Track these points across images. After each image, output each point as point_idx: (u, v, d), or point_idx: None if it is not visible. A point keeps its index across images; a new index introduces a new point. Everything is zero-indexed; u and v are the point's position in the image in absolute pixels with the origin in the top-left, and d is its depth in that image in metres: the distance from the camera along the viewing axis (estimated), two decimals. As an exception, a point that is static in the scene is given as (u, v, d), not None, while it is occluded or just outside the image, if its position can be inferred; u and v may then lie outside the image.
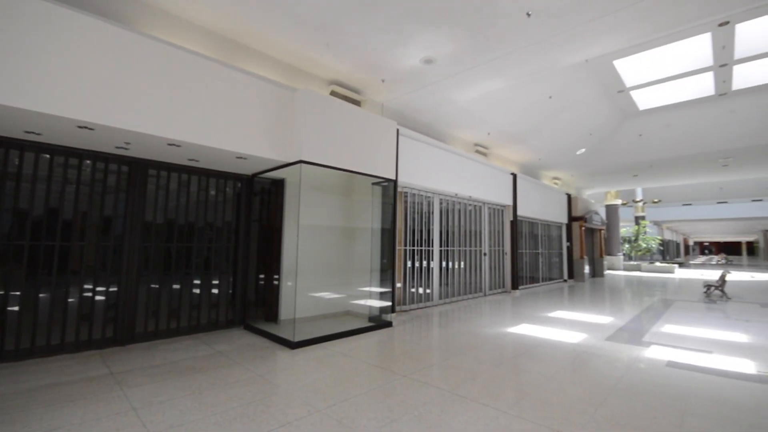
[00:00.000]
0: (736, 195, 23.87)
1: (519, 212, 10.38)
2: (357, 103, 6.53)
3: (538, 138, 9.85)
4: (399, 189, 6.98)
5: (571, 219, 13.70)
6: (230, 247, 5.61)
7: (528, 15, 4.71)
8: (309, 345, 4.71)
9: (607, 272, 18.27)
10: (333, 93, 6.11)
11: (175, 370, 3.77)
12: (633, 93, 8.74)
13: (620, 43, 5.45)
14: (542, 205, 11.88)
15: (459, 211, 8.80)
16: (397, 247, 6.82)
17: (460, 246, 8.63)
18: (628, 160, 11.59)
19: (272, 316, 5.70)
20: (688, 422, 2.83)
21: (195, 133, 4.08)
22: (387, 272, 6.03)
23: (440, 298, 7.95)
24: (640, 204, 23.35)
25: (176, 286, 5.04)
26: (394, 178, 6.07)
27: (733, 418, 2.89)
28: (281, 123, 4.90)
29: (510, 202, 10.10)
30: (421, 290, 7.54)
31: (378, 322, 5.81)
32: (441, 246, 8.03)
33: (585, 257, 13.82)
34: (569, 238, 13.55)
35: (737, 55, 7.07)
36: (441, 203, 8.20)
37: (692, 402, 3.19)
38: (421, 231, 7.61)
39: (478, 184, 8.90)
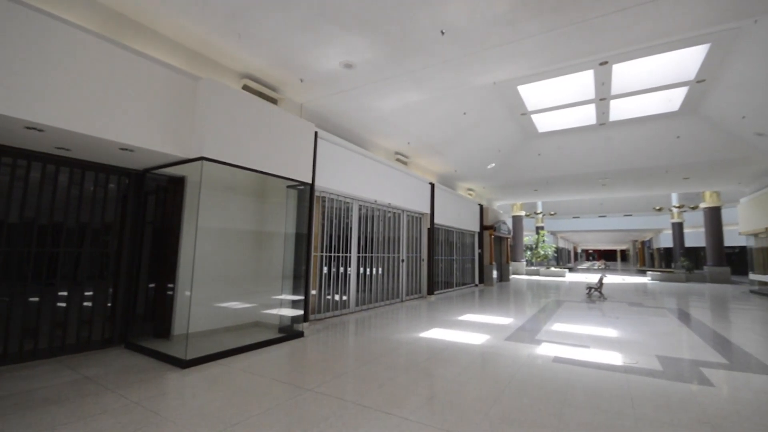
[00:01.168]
0: (612, 210, 28.25)
1: (436, 220, 10.86)
2: (273, 101, 6.20)
3: (454, 150, 10.46)
4: (316, 193, 6.78)
5: (483, 228, 14.80)
6: (112, 252, 4.83)
7: (442, 33, 4.94)
8: (204, 362, 4.24)
9: (512, 277, 20.11)
10: (246, 87, 5.71)
11: (24, 402, 3.07)
12: (533, 116, 9.78)
13: (522, 71, 6.03)
14: (457, 214, 12.62)
15: (378, 217, 8.88)
16: (313, 253, 6.59)
17: (378, 252, 8.69)
18: (530, 176, 12.94)
19: (164, 331, 5.04)
20: (566, 413, 3.11)
21: (62, 116, 3.43)
22: (301, 279, 5.76)
23: (357, 305, 7.88)
24: (540, 216, 26.31)
25: (34, 299, 4.16)
26: (310, 181, 5.87)
27: (603, 407, 3.27)
28: (180, 114, 4.40)
29: (428, 211, 10.52)
30: (337, 297, 7.39)
31: (289, 332, 5.50)
32: (359, 252, 7.99)
33: (494, 263, 15.02)
34: (481, 246, 14.61)
35: (613, 91, 8.34)
36: (360, 209, 8.18)
37: (570, 394, 3.54)
38: (339, 237, 7.49)
39: (398, 192, 9.10)
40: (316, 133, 6.20)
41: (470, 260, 14.20)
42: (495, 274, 15.17)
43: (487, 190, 15.44)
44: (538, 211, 26.00)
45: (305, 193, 5.88)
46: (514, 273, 21.75)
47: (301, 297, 5.69)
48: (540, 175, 12.74)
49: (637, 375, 4.09)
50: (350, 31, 4.79)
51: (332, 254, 7.25)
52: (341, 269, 7.46)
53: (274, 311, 5.95)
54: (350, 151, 7.52)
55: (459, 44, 5.12)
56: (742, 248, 15.11)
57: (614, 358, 4.76)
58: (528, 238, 25.34)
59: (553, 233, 34.01)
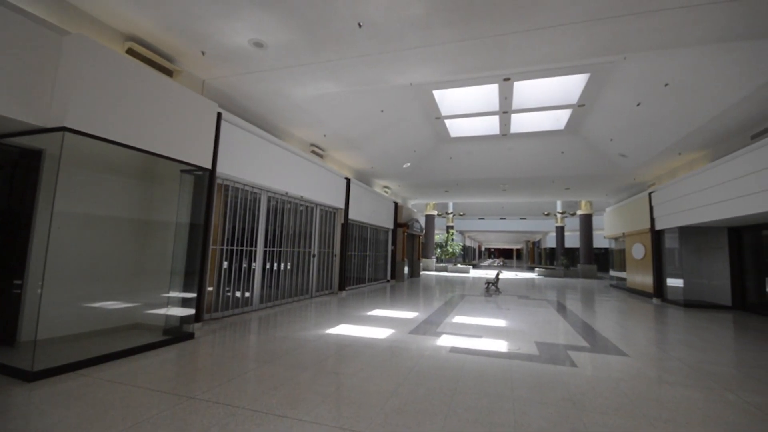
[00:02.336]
0: (511, 213, 31.57)
1: (351, 216, 10.83)
2: (168, 72, 5.46)
3: (372, 147, 10.52)
4: (218, 181, 6.19)
5: (397, 225, 15.25)
6: (-75, 240, 3.75)
7: (359, 26, 4.86)
8: (60, 373, 3.53)
9: (422, 273, 21.17)
10: (131, 51, 4.91)
11: None
12: (447, 121, 10.34)
13: (436, 75, 6.27)
14: (373, 211, 12.77)
15: (289, 210, 8.49)
16: (212, 247, 6.01)
17: (288, 247, 8.32)
18: (442, 177, 13.69)
19: (7, 337, 4.09)
20: (455, 400, 3.29)
21: None
22: (194, 275, 5.18)
23: (262, 302, 7.43)
24: (451, 215, 28.17)
25: None
26: (210, 167, 5.31)
27: (488, 391, 3.53)
28: (39, 74, 3.59)
29: (342, 206, 10.42)
30: (238, 294, 6.86)
31: (176, 334, 4.91)
32: (266, 246, 7.54)
33: (406, 259, 15.58)
34: (394, 242, 15.04)
35: (514, 106, 9.21)
36: (270, 201, 7.72)
37: (461, 381, 3.76)
38: (244, 229, 6.96)
39: (312, 184, 8.83)
40: (219, 114, 5.64)
41: (383, 256, 14.51)
42: (406, 270, 15.75)
43: (402, 189, 15.94)
44: (449, 211, 27.80)
45: (203, 180, 5.30)
46: (425, 269, 22.93)
47: (194, 295, 5.13)
48: (451, 177, 13.56)
49: (518, 360, 4.54)
50: (261, 7, 4.43)
51: (235, 248, 6.71)
52: (244, 264, 6.95)
53: (160, 311, 5.26)
54: (260, 138, 7.03)
55: (376, 40, 5.10)
56: (606, 249, 18.21)
57: (501, 346, 5.23)
58: (439, 236, 26.95)
59: (461, 232, 36.76)
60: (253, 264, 7.18)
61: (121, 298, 5.14)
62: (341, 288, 10.21)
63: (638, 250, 12.69)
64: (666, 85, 6.71)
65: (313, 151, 9.68)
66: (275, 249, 7.85)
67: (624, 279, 14.40)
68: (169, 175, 5.32)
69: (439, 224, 29.49)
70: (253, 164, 6.79)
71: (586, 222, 21.21)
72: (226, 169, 6.05)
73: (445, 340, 5.43)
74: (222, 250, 6.39)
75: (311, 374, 3.83)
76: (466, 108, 9.41)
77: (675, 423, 2.96)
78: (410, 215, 16.91)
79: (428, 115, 9.56)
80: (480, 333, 5.99)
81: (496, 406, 3.20)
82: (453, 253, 25.19)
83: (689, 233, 10.26)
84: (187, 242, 5.22)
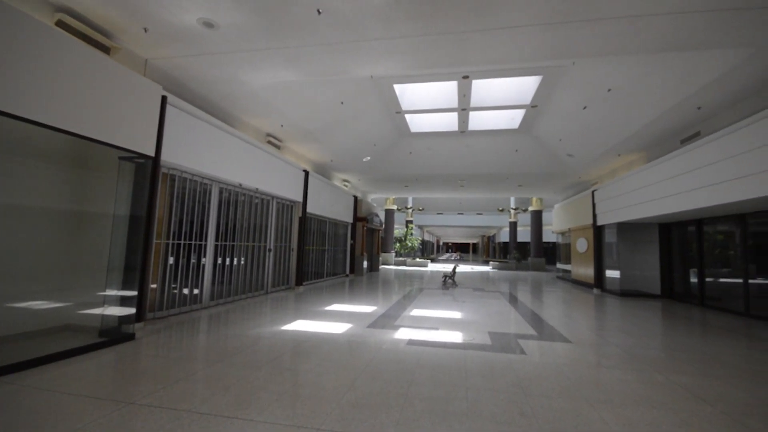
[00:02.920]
0: (468, 209, 32.59)
1: (309, 209, 10.60)
2: (105, 49, 4.96)
3: (331, 139, 10.33)
4: (163, 170, 5.77)
5: (357, 219, 15.17)
6: None
7: (318, 12, 4.70)
8: (-30, 384, 3.11)
9: (381, 267, 21.30)
10: (61, 24, 4.40)
11: None
12: (407, 116, 10.39)
13: (396, 69, 6.24)
14: (332, 205, 12.59)
15: (244, 203, 8.13)
16: (156, 241, 5.60)
17: (242, 241, 7.97)
18: (402, 172, 13.79)
19: None
20: (412, 391, 3.32)
21: None
22: (135, 271, 4.79)
23: (213, 299, 7.07)
24: (410, 210, 28.55)
25: None
26: (153, 154, 4.91)
27: (443, 381, 3.60)
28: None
29: (300, 199, 10.16)
30: (186, 291, 6.47)
31: (114, 335, 4.53)
32: (218, 240, 7.17)
33: (365, 254, 15.57)
34: (353, 237, 14.95)
35: (472, 104, 9.44)
36: (222, 193, 7.34)
37: (418, 373, 3.81)
38: (193, 222, 6.55)
39: (268, 176, 8.51)
40: (164, 98, 5.23)
41: (342, 251, 14.39)
42: (366, 264, 15.76)
43: (362, 183, 15.86)
44: (409, 206, 28.17)
45: (146, 168, 4.90)
46: (384, 263, 23.09)
47: (134, 292, 4.74)
48: (411, 172, 13.70)
49: (472, 350, 4.69)
50: (211, -16, 4.14)
51: (183, 242, 6.30)
52: (193, 259, 6.56)
53: (96, 311, 4.81)
54: (211, 126, 6.64)
55: (337, 29, 4.97)
56: (554, 244, 19.40)
57: (457, 337, 5.37)
58: (398, 230, 27.21)
59: (420, 227, 37.41)
60: (203, 259, 6.80)
61: (51, 297, 4.63)
62: (299, 283, 9.99)
63: (582, 245, 13.62)
64: (609, 90, 7.18)
65: (269, 142, 9.32)
66: (228, 243, 7.49)
67: (569, 271, 15.40)
68: (106, 162, 4.85)
69: (399, 219, 29.80)
70: (203, 153, 6.40)
71: (537, 218, 22.40)
72: (171, 157, 5.64)
73: (403, 333, 5.48)
74: (168, 244, 5.97)
75: (265, 372, 3.69)
76: (426, 104, 9.50)
77: (611, 403, 3.19)
78: (370, 209, 16.91)
79: (389, 109, 9.54)
80: (437, 325, 6.11)
81: (451, 395, 3.27)
82: (412, 248, 25.58)
83: (626, 228, 11.16)
84: (126, 236, 4.81)
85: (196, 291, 6.66)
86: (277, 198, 9.32)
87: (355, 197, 15.19)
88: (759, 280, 7.70)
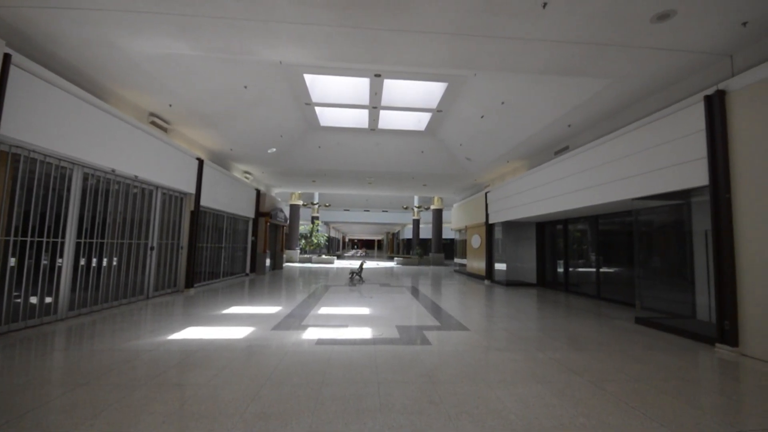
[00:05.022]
0: (374, 206, 33.37)
1: (203, 202, 9.50)
2: None
3: (232, 126, 9.42)
4: (2, 147, 4.49)
5: (259, 214, 14.19)
6: None
7: (221, -23, 4.17)
8: None
9: (285, 265, 20.40)
10: None
11: None
12: (317, 108, 10.06)
13: (307, 57, 5.94)
14: (231, 198, 11.53)
15: (118, 192, 6.86)
16: (-13, 236, 4.33)
17: (115, 238, 6.72)
18: (309, 167, 13.35)
19: None
20: (323, 392, 3.16)
21: None
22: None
23: (73, 308, 5.80)
24: (316, 206, 27.96)
25: None
26: (-16, 124, 3.77)
27: (355, 378, 3.51)
28: None
29: (193, 191, 9.04)
30: (35, 300, 5.16)
31: None
32: (81, 237, 5.90)
33: (268, 251, 14.68)
34: (255, 233, 13.95)
35: (383, 103, 9.59)
36: (87, 179, 6.07)
37: (329, 372, 3.66)
38: (46, 215, 5.26)
39: (151, 162, 7.34)
40: (8, 56, 4.06)
41: (242, 248, 13.32)
42: (268, 262, 14.88)
43: (266, 176, 14.92)
44: (315, 202, 27.57)
45: (-28, 141, 3.73)
46: (288, 261, 22.18)
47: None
48: (319, 167, 13.35)
49: (382, 345, 4.72)
50: None
51: (30, 239, 5.00)
52: (45, 260, 5.27)
53: None
54: (75, 97, 5.42)
55: (242, 2, 4.47)
56: (452, 240, 21.18)
57: (366, 333, 5.37)
58: (303, 226, 26.44)
59: (326, 223, 36.98)
60: (59, 260, 5.51)
61: None
62: (189, 285, 8.88)
63: (476, 241, 15.06)
64: (503, 103, 8.01)
65: (153, 123, 8.05)
66: (95, 240, 6.22)
67: (465, 265, 16.91)
68: None
69: (305, 215, 28.96)
70: (61, 129, 5.18)
71: (438, 216, 24.08)
72: (16, 131, 4.43)
73: (312, 333, 5.25)
74: (7, 241, 4.67)
75: (147, 391, 3.11)
76: (338, 98, 9.33)
77: (505, 382, 3.51)
78: (274, 204, 16.01)
79: (298, 100, 9.10)
80: (346, 322, 6.03)
81: (363, 391, 3.20)
82: (318, 244, 25.09)
83: (511, 227, 12.70)
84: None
85: (48, 299, 5.37)
86: (162, 188, 8.11)
87: (258, 191, 14.20)
88: (605, 269, 9.51)
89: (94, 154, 5.83)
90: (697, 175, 5.18)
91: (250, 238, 13.79)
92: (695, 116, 5.23)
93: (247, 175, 14.22)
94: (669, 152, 5.68)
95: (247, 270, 13.59)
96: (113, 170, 6.40)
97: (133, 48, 5.57)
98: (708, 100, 5.01)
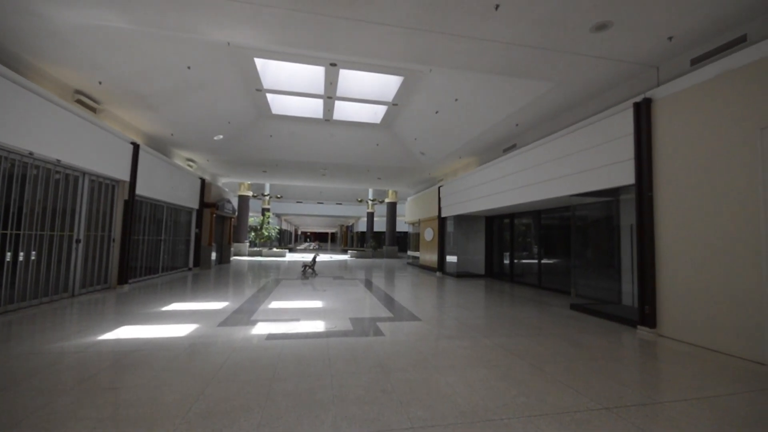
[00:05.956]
0: (328, 198, 32.91)
1: (139, 191, 8.74)
2: None
3: (173, 110, 8.72)
4: None
5: (204, 205, 13.38)
6: None
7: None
8: None
9: (233, 258, 19.50)
10: None
11: None
12: (269, 96, 9.63)
13: (258, 40, 5.63)
14: (171, 187, 10.74)
15: (37, 178, 6.09)
16: None
17: (32, 229, 5.98)
18: (260, 156, 12.78)
19: None
20: (274, 388, 3.07)
21: None
22: None
23: (-18, 308, 5.09)
24: (267, 197, 26.98)
25: None
26: None
27: (307, 372, 3.45)
28: None
29: (127, 178, 8.28)
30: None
31: None
32: (-7, 227, 5.18)
33: (213, 244, 13.92)
34: (199, 225, 13.14)
35: (338, 93, 9.41)
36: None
37: (280, 368, 3.56)
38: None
39: (77, 145, 6.61)
40: None
41: (185, 241, 12.49)
42: (214, 256, 14.12)
43: (212, 164, 14.07)
44: (266, 193, 26.58)
45: None
46: (237, 254, 21.24)
47: None
48: (270, 156, 12.84)
49: (335, 337, 4.69)
50: None
51: None
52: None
53: None
54: (-19, 65, 4.70)
55: (185, -29, 4.13)
56: (406, 233, 21.53)
57: (319, 326, 5.30)
58: (253, 218, 25.41)
59: (278, 215, 35.85)
60: (-36, 253, 4.80)
61: None
62: (122, 281, 8.16)
63: (429, 234, 15.44)
64: (456, 100, 8.23)
65: (79, 101, 7.22)
66: (8, 232, 5.48)
67: (418, 257, 17.29)
68: None
69: (255, 206, 27.83)
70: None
71: (392, 209, 24.32)
72: None
73: (262, 328, 5.08)
74: None
75: (75, 396, 2.82)
76: (291, 85, 9.01)
77: (454, 368, 3.65)
78: (221, 195, 15.19)
79: (248, 85, 8.65)
80: (298, 316, 5.90)
81: (316, 385, 3.16)
82: (269, 237, 24.25)
83: (462, 220, 13.18)
84: None
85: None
86: (90, 174, 7.33)
87: (203, 180, 13.36)
88: (546, 261, 10.22)
89: (6, 135, 5.11)
90: (626, 175, 5.71)
91: (194, 230, 12.96)
92: (626, 121, 5.75)
93: (191, 163, 13.32)
94: (602, 153, 6.20)
95: (191, 264, 12.79)
96: (31, 153, 5.65)
97: (59, 17, 4.93)
98: (636, 106, 5.52)
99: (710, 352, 4.38)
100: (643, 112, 5.40)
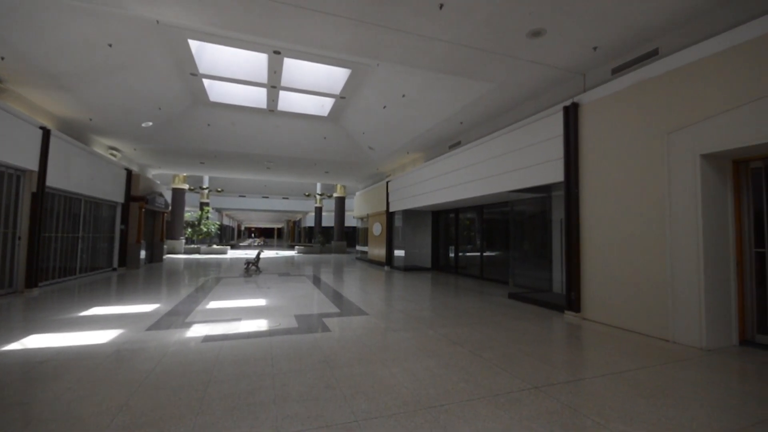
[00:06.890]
0: (274, 192, 31.69)
1: (50, 182, 7.71)
2: None
3: (92, 92, 7.78)
4: None
5: (130, 199, 12.17)
6: None
7: None
8: None
9: (167, 256, 18.07)
10: None
11: None
12: (206, 81, 8.97)
13: (193, 20, 5.20)
14: (90, 178, 9.62)
15: None
16: None
17: None
18: (196, 146, 11.89)
19: None
20: (210, 391, 2.89)
21: None
22: None
23: None
24: (206, 191, 25.30)
25: None
26: None
27: (247, 373, 3.30)
28: None
29: (35, 167, 7.26)
30: None
31: None
32: None
33: (143, 242, 12.76)
34: (125, 220, 11.94)
35: (283, 83, 9.03)
36: None
37: (217, 370, 3.36)
38: None
39: (-29, 127, 5.65)
40: None
41: (108, 238, 11.29)
42: (143, 254, 12.94)
43: (140, 154, 12.84)
44: (204, 186, 24.93)
45: None
46: (171, 252, 19.70)
47: None
48: (208, 147, 12.01)
49: (279, 336, 4.54)
50: None
51: None
52: None
53: None
54: None
55: (103, -65, 3.67)
56: (354, 228, 21.46)
57: (262, 324, 5.09)
58: (190, 214, 23.73)
59: (218, 210, 33.84)
60: None
61: None
62: (31, 284, 7.16)
63: (377, 228, 15.53)
64: (403, 96, 8.31)
65: (-27, 76, 6.19)
66: None
67: (366, 252, 17.33)
68: None
69: (192, 200, 25.99)
70: None
71: (340, 204, 24.08)
72: None
73: (197, 330, 4.76)
74: None
75: (-41, 420, 2.42)
76: (231, 72, 8.48)
77: (399, 360, 3.71)
78: (151, 187, 13.95)
79: (181, 68, 7.99)
80: (239, 316, 5.62)
81: (256, 385, 3.03)
82: (208, 233, 22.78)
83: (410, 215, 13.43)
84: None
85: None
86: (-11, 162, 6.33)
87: (129, 171, 12.14)
88: (488, 253, 10.78)
89: None
90: (557, 173, 6.18)
91: (118, 226, 11.76)
92: (556, 123, 6.21)
93: (114, 152, 12.04)
94: (537, 152, 6.65)
95: (115, 264, 11.60)
96: None
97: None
98: (566, 110, 5.98)
99: (626, 332, 4.91)
100: (571, 116, 5.87)
